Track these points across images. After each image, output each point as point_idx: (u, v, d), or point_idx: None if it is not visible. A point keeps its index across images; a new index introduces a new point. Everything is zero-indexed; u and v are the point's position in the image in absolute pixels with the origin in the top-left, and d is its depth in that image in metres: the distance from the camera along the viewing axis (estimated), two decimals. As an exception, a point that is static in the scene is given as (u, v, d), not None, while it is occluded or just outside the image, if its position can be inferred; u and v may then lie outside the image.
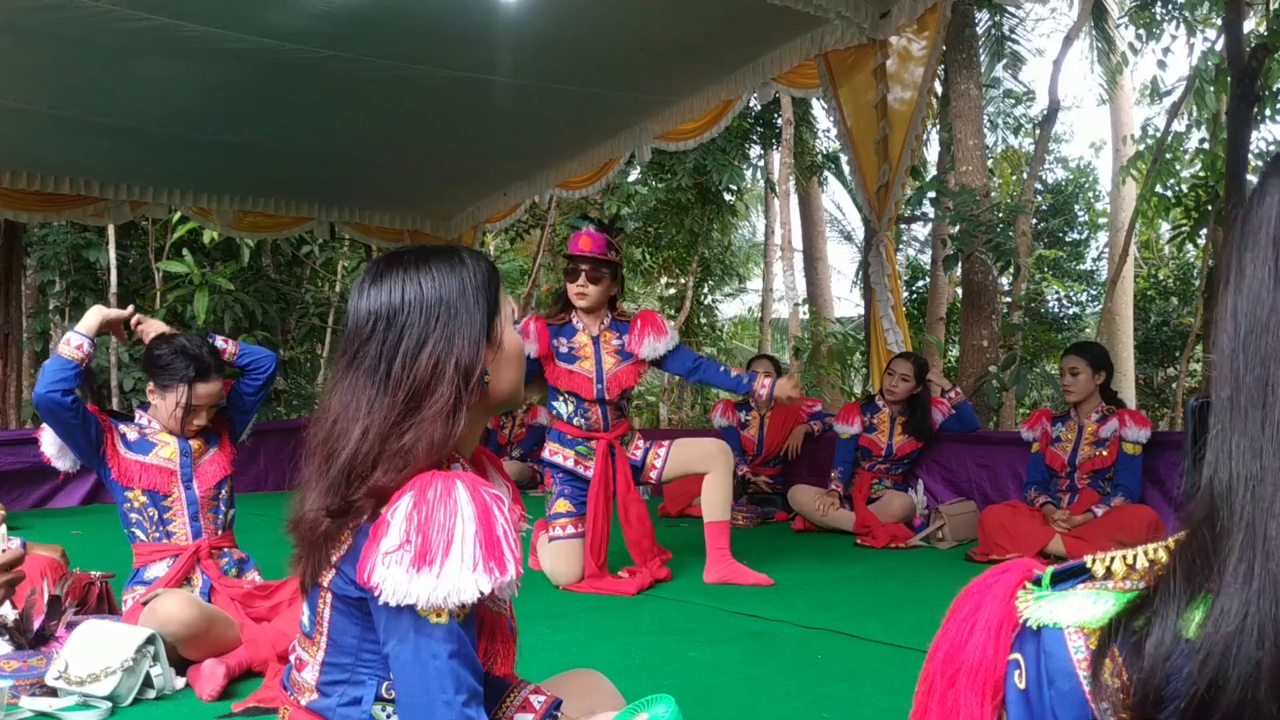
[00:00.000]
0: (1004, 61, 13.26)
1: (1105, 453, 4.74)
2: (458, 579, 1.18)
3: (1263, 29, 7.79)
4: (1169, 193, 9.60)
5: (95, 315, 3.00)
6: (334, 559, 1.30)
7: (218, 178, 8.53)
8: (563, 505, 4.28)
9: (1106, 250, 15.86)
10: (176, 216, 10.56)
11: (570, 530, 4.24)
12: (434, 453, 1.28)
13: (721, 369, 4.49)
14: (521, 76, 6.17)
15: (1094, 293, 15.70)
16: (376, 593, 1.20)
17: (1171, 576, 0.69)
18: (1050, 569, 0.79)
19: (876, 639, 3.16)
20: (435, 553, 1.18)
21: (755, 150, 13.82)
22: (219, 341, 3.22)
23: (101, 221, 9.07)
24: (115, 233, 10.91)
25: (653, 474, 4.32)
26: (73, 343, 2.93)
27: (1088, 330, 15.02)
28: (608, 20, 5.62)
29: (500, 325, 1.40)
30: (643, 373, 4.37)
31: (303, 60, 5.69)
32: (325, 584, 1.32)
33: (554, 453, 4.31)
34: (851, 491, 5.58)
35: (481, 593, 1.19)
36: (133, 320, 3.15)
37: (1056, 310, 15.66)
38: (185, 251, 10.85)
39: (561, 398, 4.31)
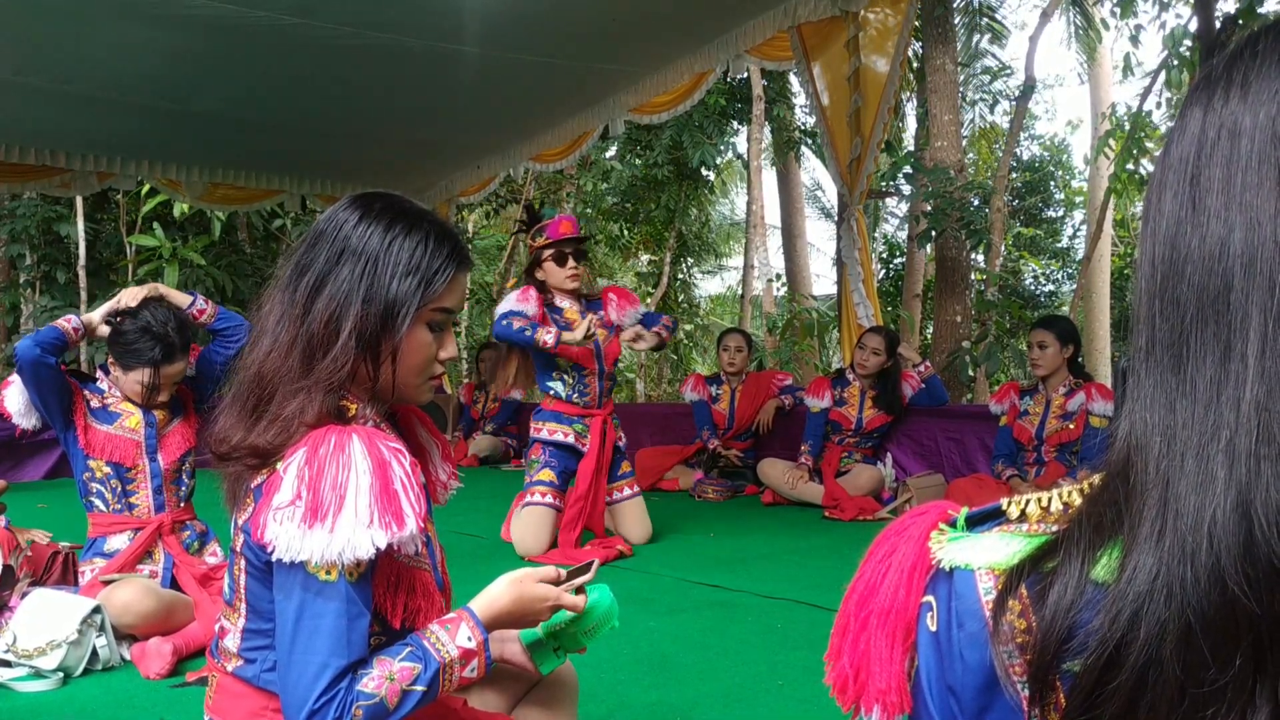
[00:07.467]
0: (986, 36, 13.24)
1: (1072, 426, 4.76)
2: (352, 534, 1.15)
3: (1232, 8, 7.78)
4: (1140, 171, 9.60)
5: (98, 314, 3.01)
6: (240, 521, 1.28)
7: (185, 148, 8.39)
8: (547, 474, 4.33)
9: (1083, 228, 15.91)
10: (146, 189, 10.42)
11: (548, 499, 4.27)
12: (318, 423, 1.25)
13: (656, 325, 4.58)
14: (492, 46, 6.08)
15: (1070, 271, 15.73)
16: (270, 549, 1.17)
17: (1079, 527, 0.66)
18: (965, 510, 0.77)
19: (838, 609, 3.15)
20: (327, 508, 1.15)
21: (734, 126, 13.74)
22: (199, 302, 3.13)
23: (69, 193, 8.93)
24: (87, 207, 10.77)
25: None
26: (69, 319, 2.92)
27: (1063, 308, 15.07)
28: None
29: (415, 319, 1.32)
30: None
31: (267, 27, 5.58)
32: (237, 549, 1.30)
33: (553, 431, 4.37)
34: (821, 465, 5.58)
35: (378, 548, 1.17)
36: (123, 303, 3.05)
37: (1033, 288, 15.69)
38: (156, 225, 10.72)
39: (558, 375, 4.36)
